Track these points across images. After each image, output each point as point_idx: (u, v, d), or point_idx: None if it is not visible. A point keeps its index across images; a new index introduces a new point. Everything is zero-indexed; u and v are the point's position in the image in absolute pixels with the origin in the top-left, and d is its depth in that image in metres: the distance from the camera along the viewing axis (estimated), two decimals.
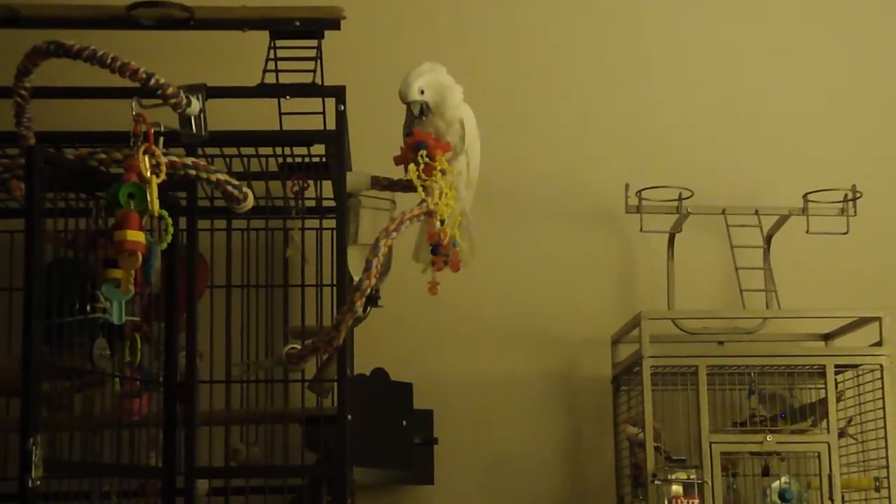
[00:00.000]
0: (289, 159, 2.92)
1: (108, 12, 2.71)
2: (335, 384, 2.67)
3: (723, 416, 3.10)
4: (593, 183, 3.45)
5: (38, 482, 2.10)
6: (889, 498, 2.94)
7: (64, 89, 2.76)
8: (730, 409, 3.13)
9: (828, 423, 2.96)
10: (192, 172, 2.31)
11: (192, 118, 2.33)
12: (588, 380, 3.38)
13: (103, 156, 2.31)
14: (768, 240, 3.31)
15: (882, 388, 2.98)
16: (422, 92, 2.48)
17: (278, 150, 2.88)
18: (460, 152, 2.53)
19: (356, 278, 2.36)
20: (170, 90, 2.24)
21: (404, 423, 3.05)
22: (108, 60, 2.22)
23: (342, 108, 2.70)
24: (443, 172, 2.42)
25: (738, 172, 3.46)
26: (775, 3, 3.58)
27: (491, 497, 3.32)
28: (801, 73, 3.54)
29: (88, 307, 2.28)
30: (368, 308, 2.59)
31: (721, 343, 3.22)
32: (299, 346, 2.62)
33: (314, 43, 2.71)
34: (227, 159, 2.87)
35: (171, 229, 2.24)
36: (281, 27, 2.70)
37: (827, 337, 3.29)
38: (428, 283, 2.39)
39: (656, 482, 2.90)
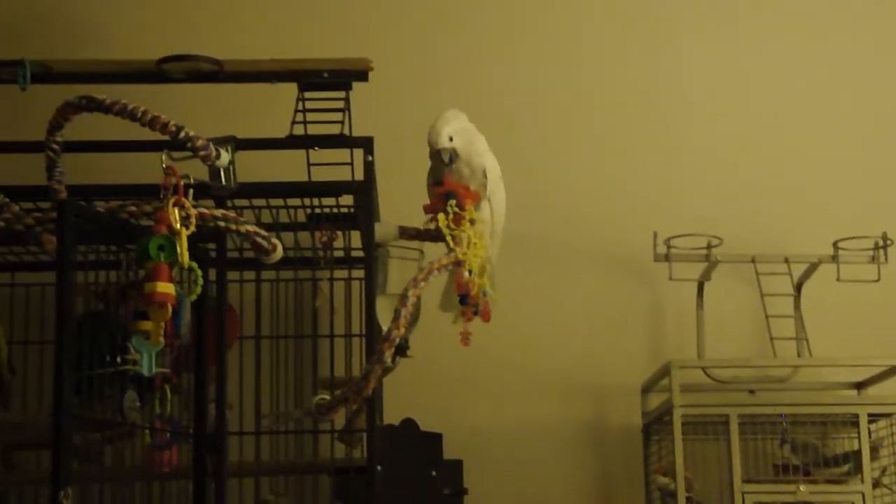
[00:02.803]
0: (317, 210, 2.93)
1: (139, 67, 2.75)
2: (364, 435, 2.67)
3: (755, 466, 3.08)
4: (622, 231, 3.44)
5: None
6: None
7: (95, 143, 2.78)
8: (762, 459, 3.11)
9: (861, 472, 2.93)
10: (222, 224, 2.32)
11: (222, 170, 2.34)
12: (618, 429, 3.36)
13: (133, 208, 2.32)
14: (798, 287, 3.29)
15: None
16: (451, 139, 2.49)
17: (307, 201, 2.89)
18: (482, 200, 2.53)
19: (385, 328, 2.36)
20: (199, 142, 2.25)
21: (434, 473, 3.04)
22: (139, 114, 2.23)
23: (370, 158, 2.71)
24: (472, 222, 2.42)
25: (768, 220, 3.45)
26: (804, 50, 3.58)
27: None
28: (831, 121, 3.54)
29: (119, 359, 2.28)
30: (397, 358, 2.59)
31: (752, 392, 3.21)
32: (329, 397, 2.62)
33: (342, 94, 2.73)
34: (256, 210, 2.88)
35: (200, 281, 2.24)
36: (309, 79, 2.72)
37: (859, 385, 3.27)
38: (459, 333, 2.38)
39: None
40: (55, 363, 2.14)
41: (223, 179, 2.34)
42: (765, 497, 2.93)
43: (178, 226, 2.15)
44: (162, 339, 2.15)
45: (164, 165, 2.18)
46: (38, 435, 2.57)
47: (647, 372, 3.24)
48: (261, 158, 2.69)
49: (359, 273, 2.92)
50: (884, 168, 3.52)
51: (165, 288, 2.11)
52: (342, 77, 2.73)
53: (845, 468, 3.01)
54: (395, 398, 3.05)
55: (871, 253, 3.25)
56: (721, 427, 2.95)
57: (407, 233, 2.68)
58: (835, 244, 3.23)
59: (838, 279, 3.22)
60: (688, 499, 2.92)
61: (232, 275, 2.78)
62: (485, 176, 2.52)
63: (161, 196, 2.19)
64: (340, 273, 3.06)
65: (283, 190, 2.82)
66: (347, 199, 2.87)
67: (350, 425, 2.86)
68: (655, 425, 3.18)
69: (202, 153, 2.26)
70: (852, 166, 3.51)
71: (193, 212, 2.18)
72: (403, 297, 2.28)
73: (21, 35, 3.44)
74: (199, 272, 2.23)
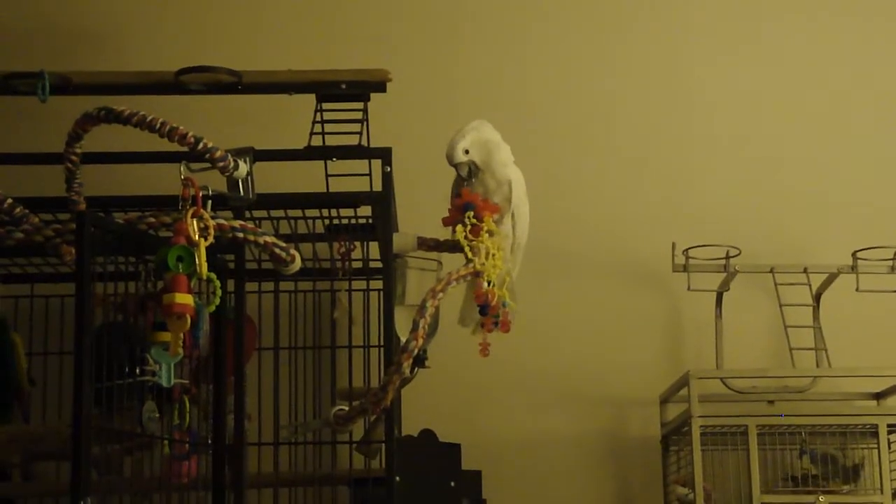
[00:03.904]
0: (335, 221, 2.93)
1: (158, 78, 2.76)
2: (383, 445, 2.67)
3: (774, 476, 3.07)
4: (640, 242, 3.44)
5: None
6: None
7: (114, 154, 2.79)
8: (781, 469, 3.10)
9: (881, 482, 2.92)
10: (240, 235, 2.32)
11: (240, 181, 2.34)
12: (637, 439, 3.36)
13: (152, 219, 2.32)
14: (817, 298, 3.28)
15: None
16: (466, 152, 2.48)
17: (325, 212, 2.90)
18: (505, 213, 2.53)
19: (403, 339, 2.36)
20: (218, 154, 2.25)
21: (453, 484, 3.03)
22: (158, 125, 2.24)
23: (388, 169, 2.71)
24: (490, 233, 2.42)
25: (786, 230, 3.44)
26: (821, 61, 3.57)
27: None
28: (849, 131, 3.53)
29: (138, 370, 2.28)
30: (416, 369, 2.59)
31: (771, 402, 3.20)
32: (347, 408, 2.62)
33: (360, 105, 2.74)
34: (275, 222, 2.89)
35: (219, 292, 2.25)
36: (327, 90, 2.73)
37: (879, 396, 3.26)
38: (479, 344, 2.38)
39: None
40: (74, 374, 2.15)
41: (241, 190, 2.35)
42: None
43: (197, 237, 2.16)
44: (181, 350, 2.16)
45: (182, 176, 2.19)
46: (58, 446, 2.58)
47: (665, 382, 3.24)
48: (279, 169, 2.70)
49: (377, 284, 2.92)
50: None
51: (184, 299, 2.12)
52: (360, 88, 2.74)
53: (846, 487, 3.00)
54: (414, 409, 3.05)
55: (890, 263, 3.24)
56: (740, 437, 2.95)
57: (425, 243, 2.67)
58: (854, 254, 3.22)
59: (857, 289, 3.21)
60: None
61: (250, 286, 2.78)
62: (509, 189, 2.51)
63: (179, 207, 2.19)
64: (359, 284, 3.06)
65: (302, 201, 2.83)
66: (366, 210, 2.87)
67: (368, 436, 2.86)
68: (674, 436, 3.18)
69: (220, 164, 2.27)
70: (871, 176, 3.50)
71: (212, 223, 2.19)
72: (422, 308, 2.28)
73: (40, 47, 3.46)
74: (218, 283, 2.24)
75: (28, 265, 3.06)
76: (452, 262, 2.52)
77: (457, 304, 2.54)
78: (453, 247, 2.51)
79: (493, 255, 2.40)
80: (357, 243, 2.98)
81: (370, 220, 2.91)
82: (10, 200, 2.43)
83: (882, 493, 2.91)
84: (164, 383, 2.19)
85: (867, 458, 3.08)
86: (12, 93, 2.77)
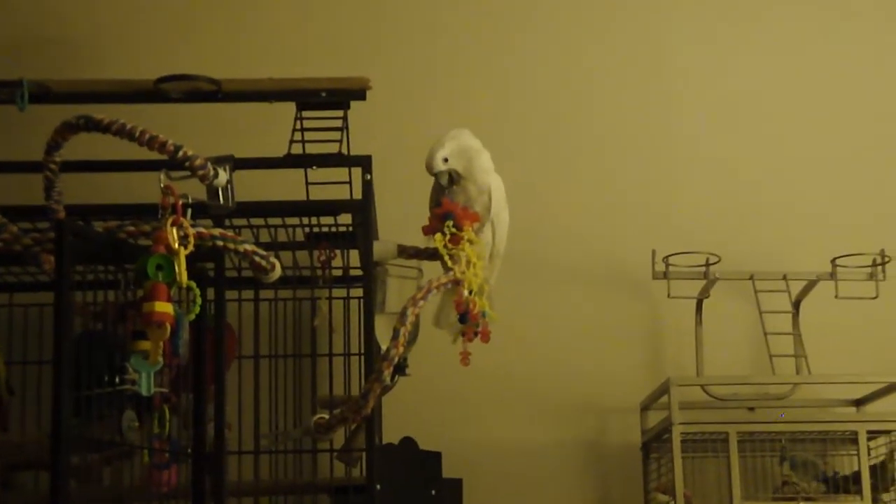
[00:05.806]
0: (315, 229, 2.93)
1: (137, 86, 2.75)
2: (364, 454, 2.67)
3: (755, 483, 3.08)
4: (620, 249, 3.45)
5: None
6: None
7: (93, 163, 2.78)
8: (761, 476, 3.10)
9: (861, 489, 2.93)
10: (220, 243, 2.32)
11: (220, 189, 2.34)
12: (617, 447, 3.36)
13: (132, 228, 2.32)
14: (797, 305, 3.29)
15: None
16: (446, 160, 2.48)
17: (305, 220, 2.89)
18: (485, 222, 2.53)
19: (384, 347, 2.36)
20: (197, 162, 2.25)
21: (433, 492, 3.03)
22: (137, 134, 2.23)
23: (368, 177, 2.71)
24: (470, 242, 2.42)
25: (766, 237, 3.45)
26: (799, 68, 3.59)
27: None
28: (829, 138, 3.54)
29: (117, 379, 2.28)
30: (396, 377, 2.58)
31: (751, 409, 3.20)
32: (328, 416, 2.61)
33: (340, 113, 2.73)
34: (255, 230, 2.88)
35: (199, 300, 2.24)
36: (307, 98, 2.73)
37: (858, 402, 3.27)
38: (459, 353, 2.38)
39: None
40: (53, 383, 2.14)
41: (221, 199, 2.34)
42: None
43: (177, 245, 2.15)
44: (160, 359, 2.15)
45: (162, 185, 2.18)
46: (37, 455, 2.57)
47: (646, 390, 3.24)
48: (259, 177, 2.69)
49: (357, 292, 2.92)
50: (881, 185, 3.52)
51: (164, 307, 2.11)
52: (340, 96, 2.74)
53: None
54: (395, 417, 3.05)
55: (869, 270, 3.25)
56: (720, 444, 2.95)
57: (406, 251, 2.68)
58: (833, 261, 3.23)
59: (836, 296, 3.21)
60: None
61: (230, 294, 2.78)
62: (489, 198, 2.51)
63: (159, 216, 2.19)
64: (339, 292, 3.05)
65: (282, 209, 2.82)
66: (346, 218, 2.87)
67: (349, 444, 2.86)
68: (655, 443, 3.18)
69: (200, 172, 2.26)
70: (850, 183, 3.52)
71: (192, 231, 2.18)
72: (402, 316, 2.28)
73: (19, 55, 3.45)
74: (198, 291, 2.23)
75: (7, 274, 3.04)
76: (433, 270, 2.52)
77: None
78: (433, 255, 2.51)
79: (474, 263, 2.40)
80: (337, 251, 2.97)
81: (350, 228, 2.90)
82: None
83: (862, 499, 2.92)
84: (144, 392, 2.18)
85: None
86: None
